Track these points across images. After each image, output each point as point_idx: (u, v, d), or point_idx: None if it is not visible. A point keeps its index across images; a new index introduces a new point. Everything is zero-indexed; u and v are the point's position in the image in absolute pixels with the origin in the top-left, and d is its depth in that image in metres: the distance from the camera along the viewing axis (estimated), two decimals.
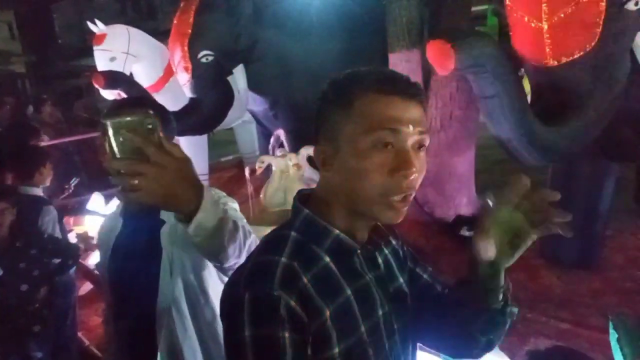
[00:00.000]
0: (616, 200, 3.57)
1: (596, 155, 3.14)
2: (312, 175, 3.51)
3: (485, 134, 3.35)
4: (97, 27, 5.77)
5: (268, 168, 3.62)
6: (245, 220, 1.33)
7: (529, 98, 2.73)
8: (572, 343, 2.79)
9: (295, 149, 3.89)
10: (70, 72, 16.21)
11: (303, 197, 0.93)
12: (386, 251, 1.00)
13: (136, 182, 0.79)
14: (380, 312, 0.89)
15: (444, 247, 4.14)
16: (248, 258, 0.88)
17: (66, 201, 4.18)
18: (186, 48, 4.54)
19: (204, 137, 6.05)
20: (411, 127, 0.80)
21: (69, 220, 3.64)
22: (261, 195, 3.49)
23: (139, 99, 1.63)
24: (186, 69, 4.60)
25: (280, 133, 3.93)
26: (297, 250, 0.84)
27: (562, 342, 2.82)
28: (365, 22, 4.71)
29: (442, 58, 2.14)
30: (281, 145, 3.65)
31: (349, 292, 0.85)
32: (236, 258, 1.14)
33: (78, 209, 4.03)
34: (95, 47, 5.78)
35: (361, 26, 4.74)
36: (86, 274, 3.32)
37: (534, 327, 3.02)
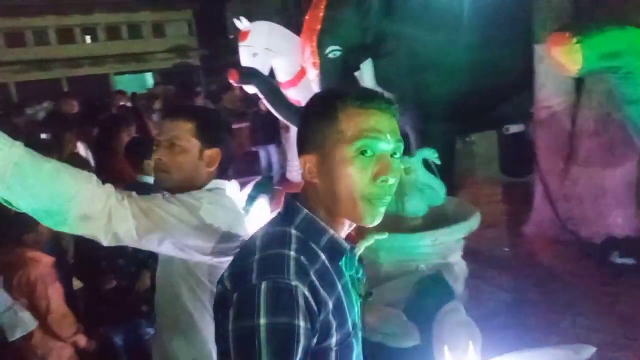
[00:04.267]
0: None
1: None
2: (426, 180, 3.21)
3: None
4: (242, 23, 6.04)
5: None
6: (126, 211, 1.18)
7: None
8: None
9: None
10: (234, 65, 17.64)
11: (294, 198, 0.98)
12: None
13: None
14: (356, 309, 0.98)
15: (588, 275, 3.54)
16: (247, 253, 0.89)
17: None
18: (315, 44, 4.52)
19: None
20: (389, 136, 0.91)
21: None
22: None
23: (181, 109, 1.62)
24: (314, 64, 4.58)
25: None
26: (301, 247, 0.89)
27: None
28: (508, 11, 4.22)
29: (565, 56, 1.73)
30: None
31: (339, 288, 0.92)
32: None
33: None
34: (240, 44, 6.06)
35: (503, 16, 4.26)
36: None
37: None
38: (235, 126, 6.61)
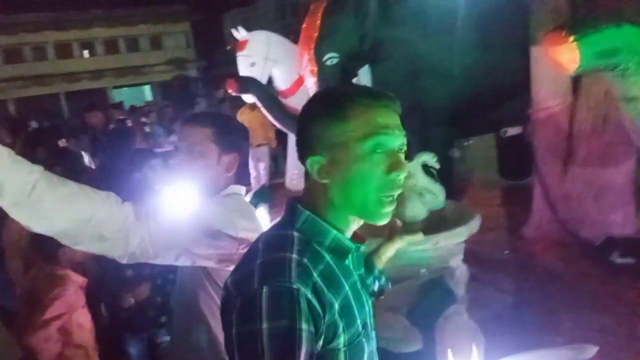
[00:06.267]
0: None
1: None
2: (426, 185, 3.21)
3: None
4: (240, 33, 6.07)
5: None
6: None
7: None
8: None
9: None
10: (232, 76, 17.78)
11: (295, 201, 0.98)
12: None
13: None
14: (367, 308, 0.99)
15: (588, 274, 3.54)
16: (250, 257, 0.89)
17: None
18: (312, 51, 4.54)
19: None
20: (396, 132, 0.93)
21: None
22: None
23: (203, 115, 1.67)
24: (312, 72, 4.60)
25: None
26: (303, 248, 0.89)
27: None
28: (503, 14, 4.23)
29: (563, 55, 1.74)
30: None
31: (347, 287, 0.92)
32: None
33: None
34: (237, 54, 6.09)
35: (499, 18, 4.27)
36: None
37: None
38: None
